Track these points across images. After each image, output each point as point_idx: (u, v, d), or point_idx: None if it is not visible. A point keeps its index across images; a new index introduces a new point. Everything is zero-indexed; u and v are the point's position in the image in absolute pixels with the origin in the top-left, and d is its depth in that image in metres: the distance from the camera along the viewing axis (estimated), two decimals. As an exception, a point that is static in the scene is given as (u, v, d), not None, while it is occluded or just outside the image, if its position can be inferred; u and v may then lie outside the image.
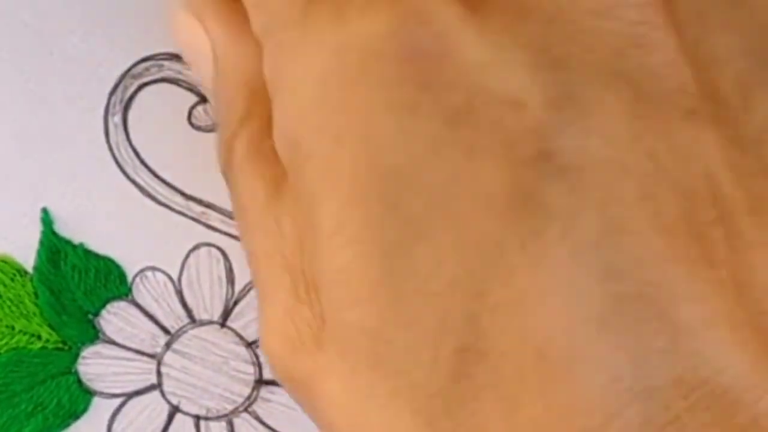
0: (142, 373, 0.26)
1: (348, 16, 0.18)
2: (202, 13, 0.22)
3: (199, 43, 0.22)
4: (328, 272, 0.18)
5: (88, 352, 0.26)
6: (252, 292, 0.26)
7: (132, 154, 0.26)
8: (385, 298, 0.17)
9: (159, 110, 0.26)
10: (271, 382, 0.26)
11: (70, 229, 0.26)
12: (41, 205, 0.26)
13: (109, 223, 0.26)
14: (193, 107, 0.26)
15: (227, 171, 0.22)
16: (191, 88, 0.26)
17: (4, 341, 0.26)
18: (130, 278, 0.26)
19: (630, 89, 0.17)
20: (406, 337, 0.17)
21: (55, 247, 0.26)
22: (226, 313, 0.26)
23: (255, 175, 0.20)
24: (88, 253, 0.26)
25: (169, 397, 0.26)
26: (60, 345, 0.26)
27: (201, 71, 0.23)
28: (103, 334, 0.26)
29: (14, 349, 0.26)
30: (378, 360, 0.18)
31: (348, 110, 0.18)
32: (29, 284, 0.26)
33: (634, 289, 0.16)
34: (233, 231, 0.26)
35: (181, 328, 0.26)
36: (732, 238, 0.17)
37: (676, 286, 0.16)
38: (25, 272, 0.26)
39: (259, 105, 0.20)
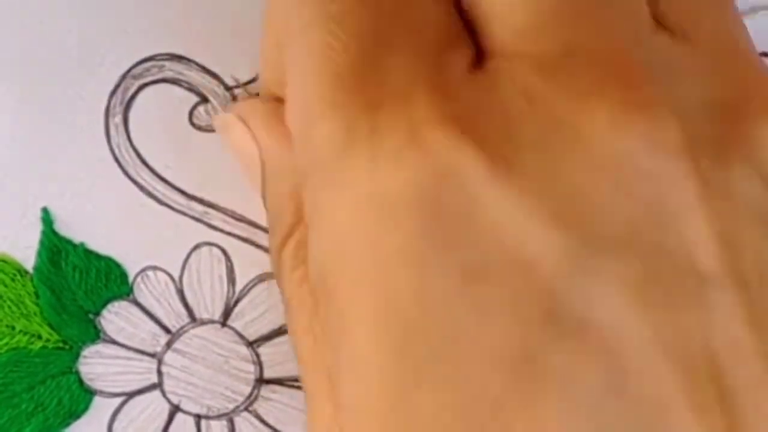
0: (143, 372, 0.26)
1: (381, 165, 0.18)
2: (252, 121, 0.22)
3: (249, 149, 0.23)
4: (346, 397, 0.19)
5: (88, 351, 0.26)
6: (252, 291, 0.26)
7: (133, 154, 0.26)
8: None
9: (160, 110, 0.26)
10: (272, 381, 0.27)
11: (70, 229, 0.26)
12: (42, 204, 0.26)
13: (110, 223, 0.26)
14: (193, 107, 0.26)
15: (277, 277, 0.22)
16: (192, 89, 0.26)
17: (4, 341, 0.26)
18: (131, 278, 0.26)
19: (641, 264, 0.18)
20: None
21: (55, 246, 0.26)
22: (227, 313, 0.26)
23: (302, 284, 0.21)
24: (89, 253, 0.26)
25: (169, 396, 0.26)
26: (60, 345, 0.26)
27: (250, 176, 0.23)
28: (104, 333, 0.26)
29: (14, 349, 0.26)
30: None
31: (370, 257, 0.18)
32: (30, 284, 0.26)
33: None
34: (234, 231, 0.26)
35: (181, 328, 0.26)
36: (730, 416, 0.17)
37: None
38: (26, 272, 0.26)
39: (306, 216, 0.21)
